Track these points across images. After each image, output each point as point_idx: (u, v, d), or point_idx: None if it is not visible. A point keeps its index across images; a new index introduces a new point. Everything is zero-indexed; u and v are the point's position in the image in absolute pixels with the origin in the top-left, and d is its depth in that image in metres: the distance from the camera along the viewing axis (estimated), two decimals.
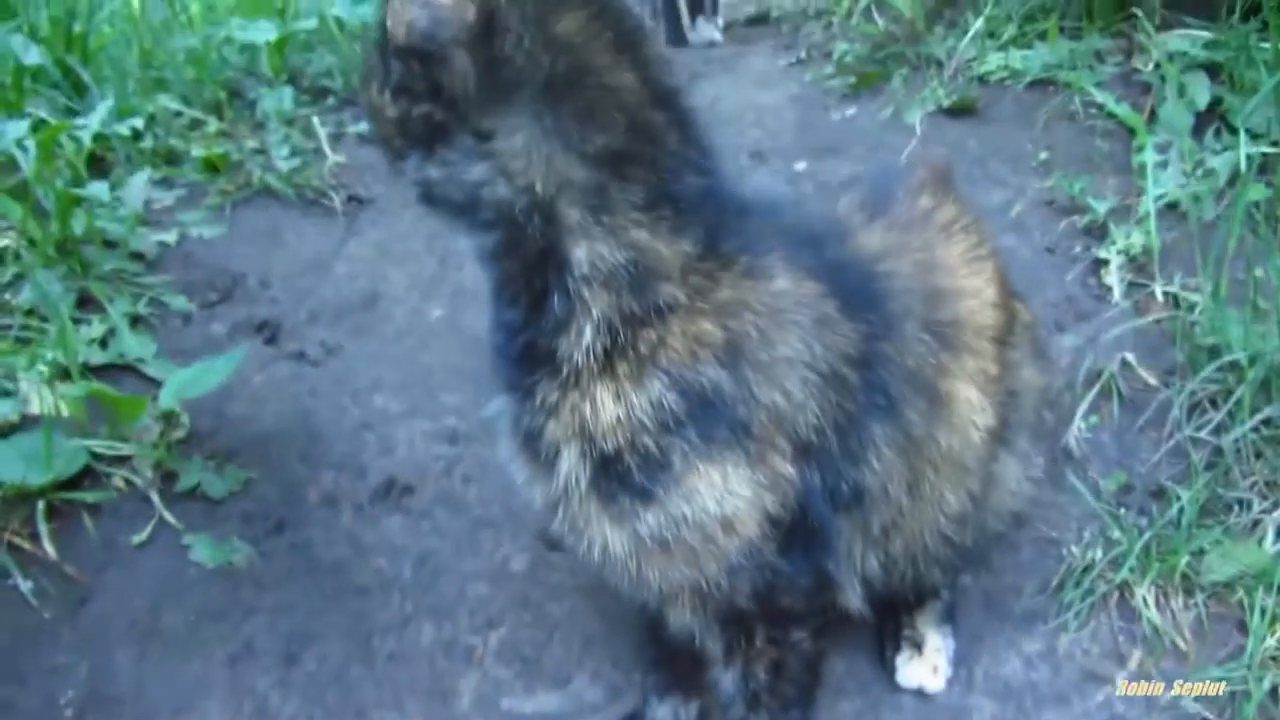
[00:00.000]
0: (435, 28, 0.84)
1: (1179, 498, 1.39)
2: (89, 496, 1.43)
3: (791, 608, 1.07)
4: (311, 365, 1.80)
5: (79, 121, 1.98)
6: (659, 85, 0.90)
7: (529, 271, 0.92)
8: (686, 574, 1.00)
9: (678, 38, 3.68)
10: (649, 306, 0.92)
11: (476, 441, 1.67)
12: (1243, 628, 1.29)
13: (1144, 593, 1.33)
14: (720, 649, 1.10)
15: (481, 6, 0.83)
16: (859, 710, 1.30)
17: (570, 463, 0.96)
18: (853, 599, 1.13)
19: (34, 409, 1.46)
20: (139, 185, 1.89)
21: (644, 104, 0.89)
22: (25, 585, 1.36)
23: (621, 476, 0.95)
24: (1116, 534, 1.37)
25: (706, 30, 3.84)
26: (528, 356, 0.95)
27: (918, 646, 1.32)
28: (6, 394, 1.51)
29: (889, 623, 1.35)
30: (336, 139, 2.48)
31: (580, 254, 0.90)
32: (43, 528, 1.39)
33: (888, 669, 1.33)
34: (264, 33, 2.71)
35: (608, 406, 0.93)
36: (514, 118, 0.86)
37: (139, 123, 2.25)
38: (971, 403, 1.10)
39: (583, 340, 0.92)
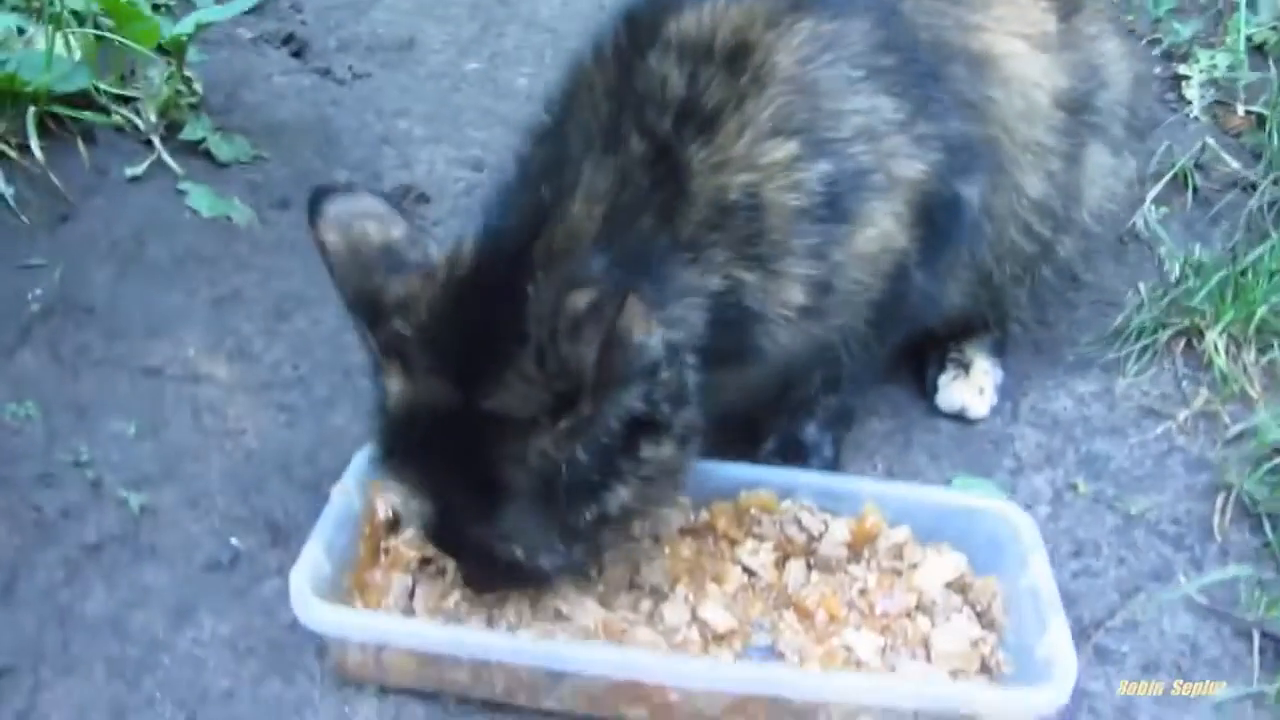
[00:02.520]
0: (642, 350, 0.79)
1: (1260, 255, 1.28)
2: (86, 115, 1.32)
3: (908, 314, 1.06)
4: (337, 83, 1.69)
5: None
6: None
7: None
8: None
9: None
10: None
11: (500, 175, 1.57)
12: None
13: (1214, 338, 1.22)
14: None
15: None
16: (889, 430, 1.20)
17: None
18: (954, 295, 1.12)
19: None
20: None
21: None
22: (8, 190, 1.24)
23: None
24: (1189, 278, 1.26)
25: None
26: None
27: (965, 368, 1.22)
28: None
29: (934, 351, 1.24)
30: None
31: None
32: (33, 138, 1.28)
33: (928, 391, 1.22)
34: None
35: None
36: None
37: None
38: (1020, 56, 1.05)
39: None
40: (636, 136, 0.89)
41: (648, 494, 0.85)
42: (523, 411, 0.78)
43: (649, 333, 0.78)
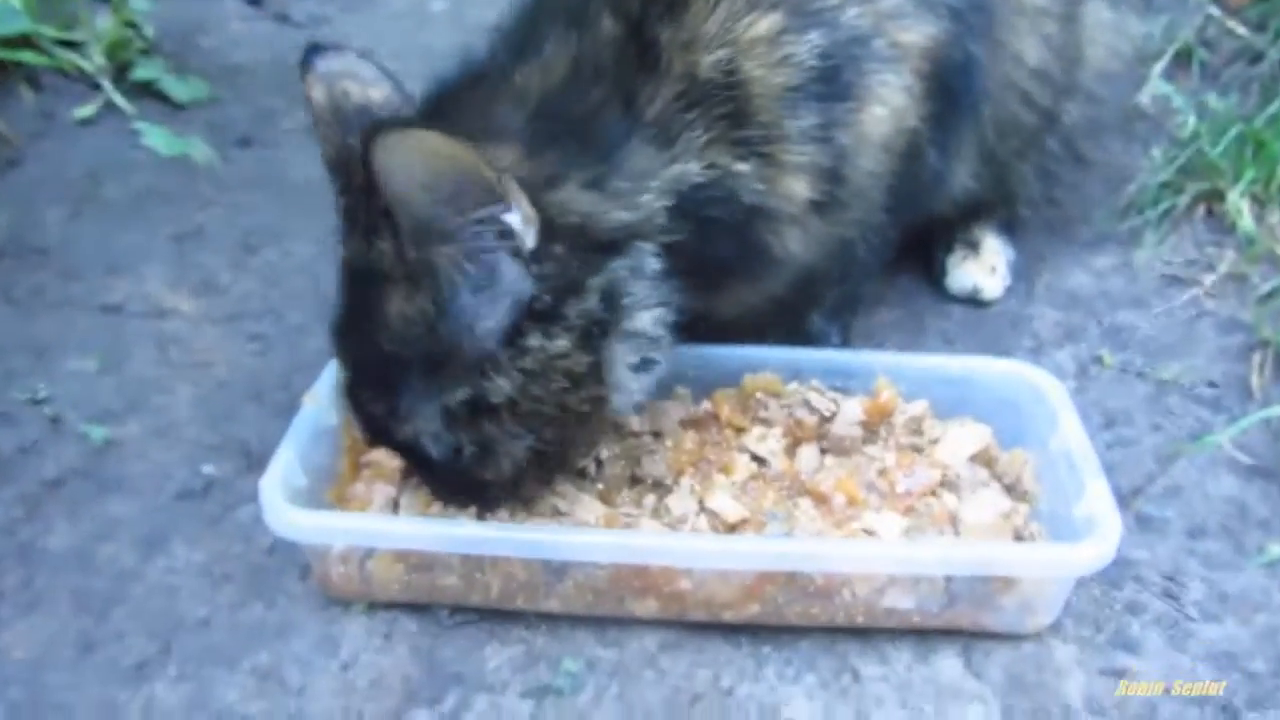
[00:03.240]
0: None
1: (1277, 112, 1.21)
2: (28, 56, 1.26)
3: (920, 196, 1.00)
4: (296, 28, 1.64)
5: None
6: None
7: None
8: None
9: None
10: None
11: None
12: None
13: (1236, 200, 1.15)
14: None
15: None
16: (899, 318, 1.13)
17: None
18: (962, 175, 1.05)
19: None
20: None
21: None
22: None
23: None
24: (1202, 136, 1.19)
25: None
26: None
27: (974, 247, 1.15)
28: None
29: (941, 233, 1.17)
30: None
31: None
32: None
33: (938, 275, 1.15)
34: None
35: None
36: None
37: None
38: None
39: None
40: (609, 17, 0.82)
41: (536, 390, 0.75)
42: (388, 265, 0.73)
43: (502, 190, 0.69)
